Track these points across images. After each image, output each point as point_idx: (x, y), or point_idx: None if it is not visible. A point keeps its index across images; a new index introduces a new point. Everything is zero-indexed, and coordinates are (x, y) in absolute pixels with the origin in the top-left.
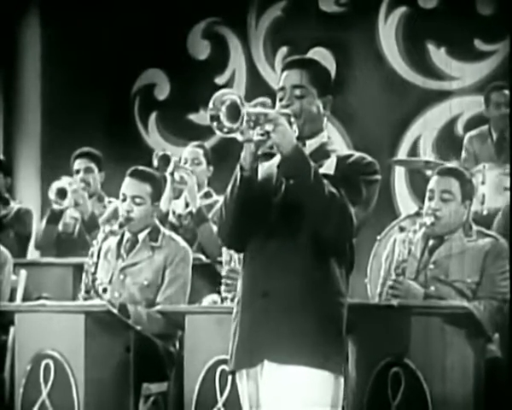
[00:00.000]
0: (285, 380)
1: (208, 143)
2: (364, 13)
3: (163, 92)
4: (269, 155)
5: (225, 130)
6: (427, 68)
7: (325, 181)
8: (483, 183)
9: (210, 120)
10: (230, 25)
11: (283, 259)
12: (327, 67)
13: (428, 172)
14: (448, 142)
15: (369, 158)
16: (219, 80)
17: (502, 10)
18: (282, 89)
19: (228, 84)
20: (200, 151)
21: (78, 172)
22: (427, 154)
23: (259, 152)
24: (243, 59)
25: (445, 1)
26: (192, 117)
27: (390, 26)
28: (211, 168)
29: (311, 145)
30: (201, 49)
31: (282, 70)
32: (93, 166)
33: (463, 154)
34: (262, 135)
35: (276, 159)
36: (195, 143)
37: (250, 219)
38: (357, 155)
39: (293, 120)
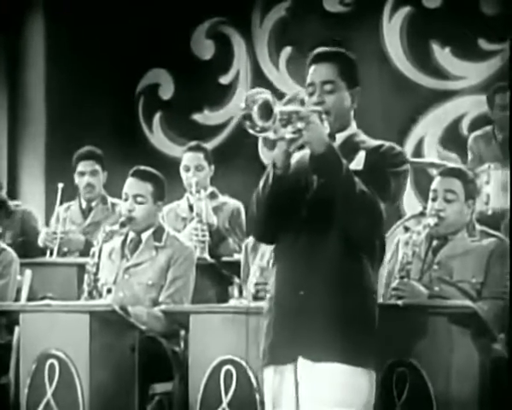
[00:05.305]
0: (321, 377)
1: (211, 144)
2: (369, 12)
3: (167, 92)
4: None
5: (258, 129)
6: (432, 68)
7: (356, 179)
8: (488, 183)
9: (242, 119)
10: (235, 25)
11: (316, 256)
12: (353, 59)
13: (433, 172)
14: (453, 142)
15: (398, 148)
16: (224, 80)
17: (506, 10)
18: (312, 84)
19: (232, 84)
20: (201, 155)
21: (82, 174)
22: (431, 154)
23: (291, 149)
24: (247, 59)
25: (449, 0)
26: (196, 117)
27: (394, 25)
28: (212, 168)
29: (339, 138)
30: (206, 49)
31: (310, 64)
32: (98, 168)
33: (469, 154)
34: (294, 133)
35: (307, 150)
36: (192, 144)
37: (281, 214)
38: (386, 146)
39: (324, 117)
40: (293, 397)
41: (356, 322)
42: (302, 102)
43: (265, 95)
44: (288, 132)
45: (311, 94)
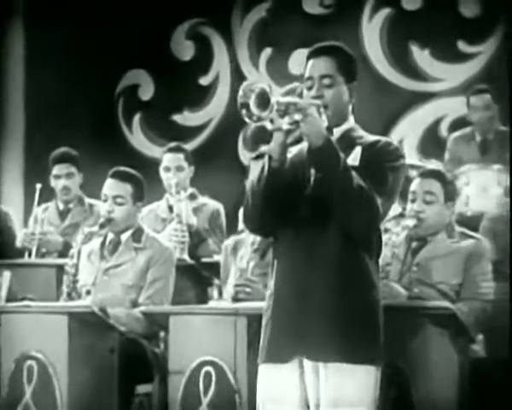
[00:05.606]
0: (328, 377)
1: (191, 145)
2: (348, 14)
3: (147, 93)
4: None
5: (254, 118)
6: (411, 70)
7: (354, 173)
8: (467, 184)
9: (239, 107)
10: (215, 25)
11: (315, 252)
12: (351, 53)
13: (413, 173)
14: (432, 143)
15: (394, 144)
16: (204, 81)
17: (485, 12)
18: (310, 78)
19: (212, 85)
20: (181, 156)
21: (58, 177)
22: (411, 155)
23: (288, 141)
24: (227, 60)
25: (429, 2)
26: (176, 118)
27: (374, 27)
28: (192, 168)
29: (337, 132)
30: (185, 50)
31: (308, 58)
32: (73, 170)
33: (447, 155)
34: (291, 124)
35: (305, 144)
36: (172, 145)
37: (277, 207)
38: (382, 141)
39: (322, 110)
40: (293, 397)
41: (358, 318)
42: (300, 96)
43: (263, 85)
44: (285, 123)
45: (309, 88)
